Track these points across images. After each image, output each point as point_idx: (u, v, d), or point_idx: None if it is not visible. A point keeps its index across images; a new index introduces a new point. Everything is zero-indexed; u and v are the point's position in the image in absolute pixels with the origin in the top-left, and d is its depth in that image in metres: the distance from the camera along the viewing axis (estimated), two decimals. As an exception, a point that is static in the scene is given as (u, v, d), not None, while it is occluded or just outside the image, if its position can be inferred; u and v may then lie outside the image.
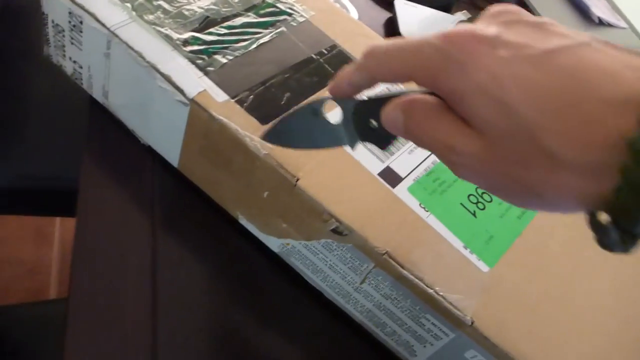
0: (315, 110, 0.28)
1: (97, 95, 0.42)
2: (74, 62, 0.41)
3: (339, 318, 0.38)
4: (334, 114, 0.28)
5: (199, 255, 0.39)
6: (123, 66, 0.38)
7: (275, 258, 0.39)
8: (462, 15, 0.72)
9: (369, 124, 0.27)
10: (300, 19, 0.44)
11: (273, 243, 0.38)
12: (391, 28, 0.65)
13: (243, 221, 0.39)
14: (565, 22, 0.79)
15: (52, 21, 0.40)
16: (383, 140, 0.28)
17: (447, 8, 0.71)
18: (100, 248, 0.36)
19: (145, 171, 0.41)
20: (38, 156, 0.75)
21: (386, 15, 0.68)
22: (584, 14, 0.82)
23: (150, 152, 0.42)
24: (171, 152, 0.40)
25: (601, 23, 0.82)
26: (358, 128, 0.28)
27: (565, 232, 0.39)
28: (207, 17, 0.40)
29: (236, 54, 0.39)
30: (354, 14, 0.63)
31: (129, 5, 0.38)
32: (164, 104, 0.37)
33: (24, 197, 0.77)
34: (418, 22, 0.65)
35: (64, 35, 0.40)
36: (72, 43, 0.40)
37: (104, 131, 0.43)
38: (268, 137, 0.30)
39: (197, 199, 0.41)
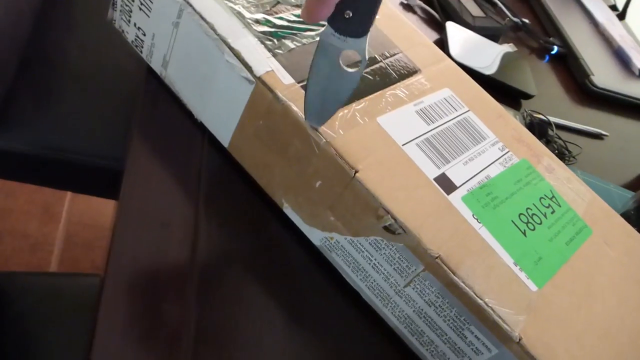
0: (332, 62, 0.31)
1: (156, 65, 0.42)
2: (138, 28, 0.41)
3: (371, 320, 0.37)
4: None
5: (238, 239, 0.38)
6: (191, 37, 0.37)
7: (314, 252, 0.38)
8: (509, 47, 0.72)
9: (344, 16, 0.29)
10: (366, 20, 0.44)
11: (316, 236, 0.37)
12: (440, 49, 0.65)
13: (288, 210, 0.38)
14: (608, 73, 0.79)
15: (125, -15, 0.40)
16: (359, 27, 0.30)
17: (494, 38, 0.71)
18: (141, 222, 0.36)
19: (195, 149, 0.41)
20: (65, 128, 0.74)
21: (434, 36, 0.69)
22: (626, 66, 0.83)
23: (201, 130, 0.41)
24: (224, 132, 0.39)
25: (641, 76, 0.82)
26: (336, 24, 0.30)
27: (611, 266, 0.39)
28: (279, 2, 0.40)
29: (304, 41, 0.39)
30: (405, 29, 0.63)
31: (205, -22, 0.38)
32: (228, 80, 0.36)
33: (43, 166, 0.77)
34: (467, 47, 0.65)
35: (133, 1, 0.40)
36: (140, 9, 0.40)
37: (156, 105, 0.42)
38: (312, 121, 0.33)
39: (242, 182, 0.40)
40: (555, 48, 0.78)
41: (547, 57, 0.79)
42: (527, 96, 0.66)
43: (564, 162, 0.61)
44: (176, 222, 0.36)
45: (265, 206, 0.39)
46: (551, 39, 0.80)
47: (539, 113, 0.63)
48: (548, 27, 0.84)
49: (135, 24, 0.41)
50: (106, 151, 0.74)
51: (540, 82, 0.73)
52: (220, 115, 0.39)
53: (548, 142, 0.61)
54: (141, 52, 0.42)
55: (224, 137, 0.39)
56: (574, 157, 0.61)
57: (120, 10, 0.42)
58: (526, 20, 0.79)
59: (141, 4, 0.39)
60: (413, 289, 0.34)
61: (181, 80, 0.40)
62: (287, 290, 0.37)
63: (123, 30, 0.43)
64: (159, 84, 0.43)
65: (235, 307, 0.34)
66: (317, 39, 0.39)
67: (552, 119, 0.64)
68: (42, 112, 0.75)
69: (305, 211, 0.37)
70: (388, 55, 0.42)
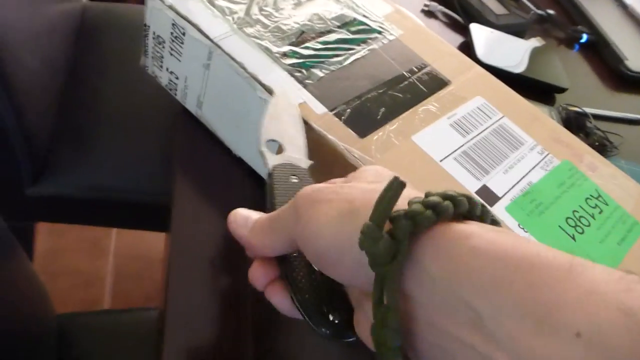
0: None
1: (191, 106, 0.43)
2: (171, 72, 0.42)
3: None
4: None
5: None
6: (222, 77, 0.38)
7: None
8: (536, 41, 0.71)
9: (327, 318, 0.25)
10: (391, 37, 0.44)
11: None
12: (466, 52, 0.65)
13: (332, 235, 0.38)
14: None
15: (154, 33, 0.41)
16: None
17: (520, 34, 0.71)
18: (193, 258, 0.37)
19: (236, 182, 0.41)
20: (106, 168, 0.77)
21: (460, 39, 0.68)
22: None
23: (240, 164, 0.42)
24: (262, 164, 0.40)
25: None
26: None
27: (669, 261, 0.38)
28: (303, 32, 0.41)
29: (332, 68, 0.39)
30: (429, 37, 0.63)
31: (230, 18, 0.39)
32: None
33: (90, 207, 0.79)
34: (494, 47, 0.64)
35: (163, 47, 0.41)
36: (171, 54, 0.41)
37: (194, 143, 0.43)
38: None
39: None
40: (585, 36, 0.77)
41: (576, 47, 0.77)
42: (561, 90, 0.65)
43: (606, 153, 0.59)
44: (225, 256, 0.37)
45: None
46: (579, 27, 0.78)
47: (574, 106, 0.62)
48: (574, 15, 0.82)
49: (167, 69, 0.43)
50: (147, 187, 0.76)
51: (573, 73, 0.71)
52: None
53: (587, 134, 0.60)
54: (175, 94, 0.44)
55: (263, 169, 0.40)
56: (616, 148, 0.59)
57: (152, 57, 0.43)
58: (551, 12, 0.78)
59: (172, 49, 0.41)
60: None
61: (216, 118, 0.41)
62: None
63: (156, 76, 0.44)
64: (195, 122, 0.44)
65: (290, 338, 0.35)
66: (345, 63, 0.40)
67: (589, 110, 0.63)
68: (84, 156, 0.77)
69: (350, 236, 0.37)
70: (416, 70, 0.42)
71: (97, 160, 0.77)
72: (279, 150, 0.32)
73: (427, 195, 0.21)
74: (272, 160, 0.31)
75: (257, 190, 0.42)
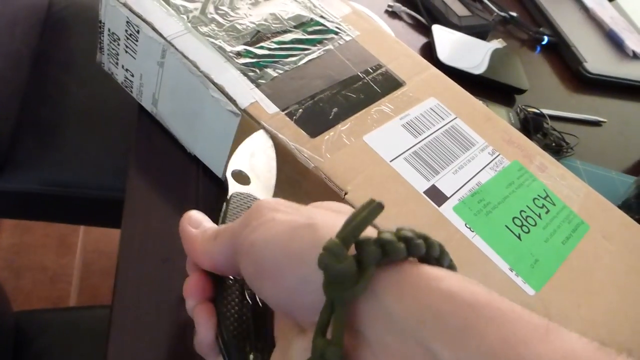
0: None
1: (147, 103, 0.43)
2: (126, 70, 0.42)
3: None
4: None
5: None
6: (176, 75, 0.38)
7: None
8: (497, 43, 0.73)
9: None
10: (347, 38, 0.45)
11: (314, 257, 0.38)
12: (428, 52, 0.66)
13: (285, 233, 0.39)
14: (601, 58, 0.79)
15: (109, 30, 0.41)
16: None
17: (483, 35, 0.72)
18: (144, 256, 0.37)
19: (191, 180, 0.42)
20: (70, 164, 0.76)
21: (423, 40, 0.69)
22: (619, 48, 0.83)
23: (195, 162, 0.42)
24: (217, 162, 0.40)
25: (635, 56, 0.82)
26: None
27: (610, 259, 0.39)
28: (258, 31, 0.41)
29: (286, 68, 0.40)
30: (392, 37, 0.64)
31: (184, 17, 0.39)
32: (215, 114, 0.37)
33: (54, 203, 0.78)
34: (455, 49, 0.65)
35: (118, 44, 0.41)
36: (126, 51, 0.41)
37: (151, 139, 0.43)
38: None
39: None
40: (546, 38, 0.78)
41: (538, 48, 0.79)
42: (520, 91, 0.66)
43: (562, 154, 0.61)
44: (177, 255, 0.37)
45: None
46: (541, 29, 0.80)
47: (533, 107, 0.64)
48: (537, 17, 0.84)
49: (123, 66, 0.42)
50: (113, 183, 0.75)
51: (534, 74, 0.73)
52: (211, 147, 0.40)
53: (545, 135, 0.62)
54: (131, 91, 0.44)
55: (217, 168, 0.40)
56: (571, 149, 0.61)
57: (108, 54, 0.43)
58: (514, 14, 0.79)
59: (126, 46, 0.41)
60: (412, 302, 0.34)
61: (171, 116, 0.41)
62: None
63: (112, 72, 0.44)
64: (151, 120, 0.44)
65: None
66: (299, 63, 0.40)
67: (547, 111, 0.64)
68: (47, 150, 0.76)
69: (301, 234, 0.38)
70: (371, 71, 0.43)
71: (61, 156, 0.76)
72: (245, 181, 0.31)
73: (385, 232, 0.20)
74: (234, 188, 0.30)
75: (211, 187, 0.42)
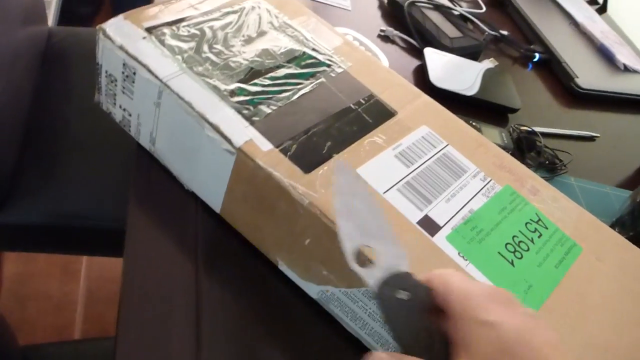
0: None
1: (145, 142, 0.44)
2: (124, 110, 0.43)
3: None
4: None
5: (240, 299, 0.39)
6: (172, 115, 0.39)
7: (314, 304, 0.39)
8: (489, 62, 0.74)
9: None
10: (339, 70, 0.46)
11: (312, 289, 0.39)
12: (421, 75, 0.67)
13: (283, 267, 0.40)
14: (593, 72, 0.80)
15: (106, 71, 0.42)
16: None
17: (475, 56, 0.73)
18: (146, 290, 0.37)
19: (189, 216, 0.42)
20: (73, 195, 0.77)
21: (415, 62, 0.70)
22: (610, 62, 0.84)
23: (193, 197, 0.43)
24: (214, 198, 0.41)
25: (627, 70, 0.83)
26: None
27: (604, 282, 0.40)
28: (252, 68, 0.42)
29: (279, 104, 0.41)
30: (384, 62, 0.65)
31: (179, 57, 0.40)
32: (211, 152, 0.38)
33: (56, 234, 0.79)
34: (447, 71, 0.66)
35: (116, 85, 0.42)
36: (123, 92, 0.42)
37: (150, 176, 0.44)
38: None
39: (238, 243, 0.42)
40: (537, 55, 0.80)
41: (530, 65, 0.80)
42: (512, 110, 0.67)
43: (556, 172, 0.62)
44: (177, 292, 0.38)
45: (263, 265, 0.41)
46: (532, 46, 0.81)
47: (525, 125, 0.65)
48: (528, 34, 0.85)
49: (120, 106, 0.43)
50: (115, 213, 0.76)
51: (526, 91, 0.74)
52: (209, 184, 0.41)
53: (539, 153, 0.62)
54: (129, 130, 0.45)
55: (215, 203, 0.41)
56: (565, 166, 0.62)
57: (106, 94, 0.44)
58: (504, 32, 0.80)
59: (124, 88, 0.42)
60: (409, 332, 0.35)
61: (169, 154, 0.42)
62: (293, 344, 0.39)
63: (110, 112, 0.45)
64: (150, 157, 0.45)
65: (242, 370, 0.36)
66: (293, 98, 0.41)
67: (540, 129, 0.65)
68: (49, 182, 0.78)
69: (299, 267, 0.39)
70: (363, 102, 0.44)
71: (64, 187, 0.77)
72: (367, 258, 0.28)
73: None
74: (370, 277, 0.27)
75: (211, 221, 0.43)
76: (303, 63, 0.45)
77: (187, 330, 0.37)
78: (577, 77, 0.76)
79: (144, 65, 0.39)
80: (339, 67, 0.46)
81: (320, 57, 0.46)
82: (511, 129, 0.63)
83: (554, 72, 0.80)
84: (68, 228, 0.77)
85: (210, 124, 0.37)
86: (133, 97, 0.42)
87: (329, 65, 0.46)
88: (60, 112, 0.85)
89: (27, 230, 0.78)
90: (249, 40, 0.45)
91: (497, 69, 0.72)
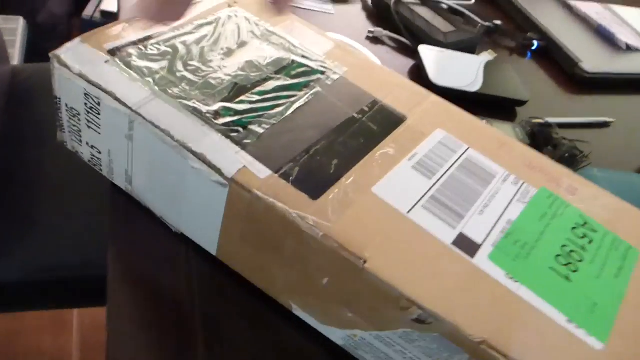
0: None
1: (120, 181, 0.38)
2: (92, 147, 0.37)
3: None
4: None
5: (251, 351, 0.33)
6: (148, 148, 0.33)
7: (337, 350, 0.33)
8: (488, 55, 0.69)
9: None
10: (335, 77, 0.40)
11: (336, 335, 0.33)
12: (417, 75, 0.62)
13: (298, 312, 0.33)
14: (596, 55, 0.75)
15: (66, 105, 0.36)
16: None
17: (471, 50, 0.68)
18: (135, 352, 0.31)
19: (179, 261, 0.36)
20: (51, 246, 0.70)
21: (410, 62, 0.65)
22: (611, 42, 0.79)
23: (184, 240, 0.37)
24: (208, 239, 0.35)
25: (629, 49, 0.78)
26: None
27: (674, 288, 0.34)
28: (236, 84, 0.37)
29: (272, 121, 0.35)
30: (378, 65, 0.59)
31: (150, 80, 0.34)
32: (199, 186, 0.32)
33: (39, 290, 0.72)
34: (446, 68, 0.61)
35: (79, 119, 0.36)
36: (88, 127, 0.36)
37: (129, 220, 0.38)
38: None
39: (241, 287, 0.35)
40: (535, 43, 0.75)
41: (529, 54, 0.75)
42: (521, 103, 0.62)
43: (577, 164, 0.56)
44: (174, 353, 0.32)
45: (273, 309, 0.35)
46: (528, 34, 0.76)
47: (538, 118, 0.59)
48: (522, 23, 0.80)
49: (87, 143, 0.37)
50: (98, 260, 0.69)
51: (529, 82, 0.69)
52: (200, 223, 0.35)
53: (556, 147, 0.57)
54: (101, 170, 0.38)
55: (210, 245, 0.35)
56: (586, 157, 0.56)
57: (69, 131, 0.38)
58: (498, 22, 0.76)
59: (88, 121, 0.36)
60: (460, 379, 0.29)
61: (149, 193, 0.36)
62: (318, 403, 0.32)
63: (77, 151, 0.39)
64: (127, 198, 0.39)
65: None
66: (287, 114, 0.35)
67: (552, 120, 0.60)
68: (25, 234, 0.71)
69: (318, 311, 0.32)
70: (367, 109, 0.38)
71: (41, 239, 0.70)
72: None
73: None
74: None
75: (206, 265, 0.36)
76: (293, 73, 0.39)
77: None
78: (581, 62, 0.71)
79: (109, 93, 0.33)
80: (334, 73, 0.41)
81: (312, 64, 0.41)
82: (523, 123, 0.58)
83: (555, 60, 0.75)
84: (51, 281, 0.70)
85: (194, 154, 0.31)
86: (100, 131, 0.35)
87: (322, 73, 0.40)
88: (30, 158, 0.79)
89: (8, 289, 0.71)
90: (228, 53, 0.39)
91: (497, 60, 0.67)
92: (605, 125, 0.66)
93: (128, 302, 0.34)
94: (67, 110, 0.37)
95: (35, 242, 0.70)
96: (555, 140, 0.57)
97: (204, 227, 0.34)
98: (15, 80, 0.91)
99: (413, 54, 0.65)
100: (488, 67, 0.64)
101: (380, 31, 0.67)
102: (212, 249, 0.35)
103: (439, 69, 0.60)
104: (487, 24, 0.74)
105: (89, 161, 0.39)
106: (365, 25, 0.69)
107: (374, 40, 0.67)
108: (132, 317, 0.33)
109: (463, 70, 0.62)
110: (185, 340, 0.33)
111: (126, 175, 0.37)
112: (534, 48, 0.75)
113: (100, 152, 0.37)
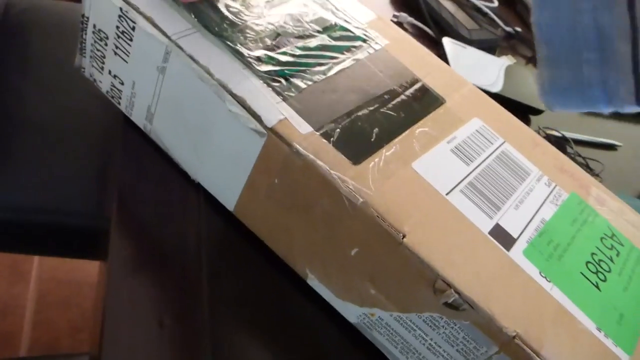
0: None
1: (139, 118, 0.35)
2: (114, 76, 0.34)
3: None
4: None
5: (256, 320, 0.31)
6: (181, 84, 0.31)
7: (349, 329, 0.32)
8: (507, 60, 0.68)
9: None
10: (376, 46, 0.38)
11: (352, 312, 0.31)
12: (440, 68, 0.60)
13: (314, 282, 0.32)
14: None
15: (94, 26, 0.33)
16: None
17: (491, 50, 0.67)
18: (135, 319, 0.29)
19: (190, 216, 0.34)
20: (27, 184, 0.66)
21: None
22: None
23: (197, 191, 0.35)
24: (228, 193, 0.33)
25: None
26: None
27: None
28: (279, 34, 0.34)
29: (315, 78, 0.33)
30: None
31: (191, 12, 0.32)
32: (231, 133, 0.30)
33: (12, 232, 0.68)
34: (469, 64, 0.60)
35: (106, 44, 0.33)
36: (115, 53, 0.33)
37: (140, 164, 0.35)
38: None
39: (254, 252, 0.33)
40: (552, 57, 0.74)
41: (545, 67, 0.74)
42: (537, 111, 0.61)
43: (587, 181, 0.56)
44: (176, 316, 0.29)
45: (286, 278, 0.33)
46: (546, 47, 0.75)
47: (553, 129, 0.59)
48: (540, 35, 0.80)
49: (110, 72, 0.35)
50: (79, 208, 0.66)
51: (543, 94, 0.68)
52: (223, 174, 0.32)
53: (567, 160, 0.56)
54: (119, 103, 0.36)
55: (229, 199, 0.33)
56: (598, 176, 0.56)
57: (91, 56, 0.35)
58: (519, 29, 0.75)
59: (116, 47, 0.33)
60: (483, 372, 0.27)
61: (171, 135, 0.34)
62: (322, 380, 0.31)
63: (95, 79, 0.36)
64: (142, 138, 0.36)
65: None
66: (329, 74, 0.33)
67: (568, 135, 0.59)
68: (2, 170, 0.67)
69: (337, 283, 0.31)
70: (407, 85, 0.37)
71: (19, 176, 0.66)
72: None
73: None
74: None
75: (219, 223, 0.34)
76: (336, 35, 0.37)
77: (181, 345, 0.28)
78: (595, 82, 0.71)
79: (148, 18, 0.30)
80: (376, 43, 0.39)
81: (355, 31, 0.39)
82: (540, 132, 0.57)
83: (568, 76, 0.74)
84: (24, 224, 0.66)
85: (234, 96, 0.29)
86: (129, 59, 0.33)
87: (364, 41, 0.38)
88: (17, 87, 0.74)
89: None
90: (271, 3, 0.37)
91: (517, 66, 0.66)
92: (612, 147, 0.66)
93: (131, 254, 0.31)
94: (93, 33, 0.34)
95: (10, 179, 0.66)
96: (569, 155, 0.56)
97: (227, 178, 0.32)
98: (9, 13, 0.86)
99: (434, 44, 0.63)
100: (508, 70, 0.63)
101: (405, 17, 0.65)
102: (230, 203, 0.33)
103: (462, 64, 0.59)
104: (508, 28, 0.74)
105: (107, 92, 0.36)
106: (388, 10, 0.67)
107: (397, 25, 0.65)
108: (135, 269, 0.31)
109: (485, 69, 0.61)
110: (190, 300, 0.30)
111: (147, 113, 0.34)
112: (551, 62, 0.74)
113: (122, 83, 0.34)
